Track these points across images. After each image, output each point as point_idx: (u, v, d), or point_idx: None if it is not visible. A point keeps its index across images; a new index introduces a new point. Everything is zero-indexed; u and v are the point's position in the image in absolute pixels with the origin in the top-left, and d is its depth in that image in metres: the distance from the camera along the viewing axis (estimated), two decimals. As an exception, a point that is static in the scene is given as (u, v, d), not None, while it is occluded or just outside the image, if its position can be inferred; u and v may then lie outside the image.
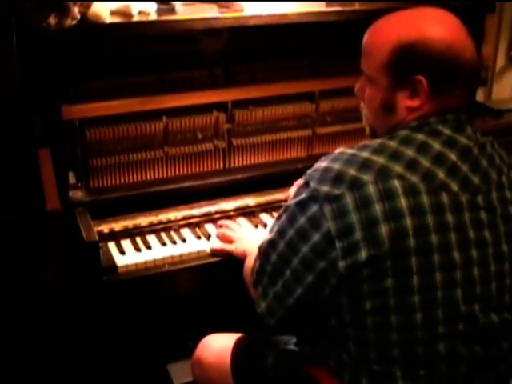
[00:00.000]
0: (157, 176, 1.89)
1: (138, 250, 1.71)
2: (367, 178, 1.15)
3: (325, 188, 1.17)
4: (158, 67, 1.85)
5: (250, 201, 1.92)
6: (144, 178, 1.88)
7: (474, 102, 1.29)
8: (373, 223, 1.13)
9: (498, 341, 1.25)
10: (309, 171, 1.26)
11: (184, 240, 1.76)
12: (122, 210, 1.78)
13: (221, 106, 1.93)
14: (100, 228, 1.72)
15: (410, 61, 1.21)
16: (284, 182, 1.96)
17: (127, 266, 1.64)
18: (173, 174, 1.92)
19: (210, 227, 1.84)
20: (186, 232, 1.81)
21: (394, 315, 1.16)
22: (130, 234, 1.77)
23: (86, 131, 1.76)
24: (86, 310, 1.65)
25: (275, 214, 1.90)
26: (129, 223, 1.77)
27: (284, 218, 1.26)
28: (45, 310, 1.74)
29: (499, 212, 1.23)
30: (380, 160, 1.17)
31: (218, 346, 1.59)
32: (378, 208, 1.13)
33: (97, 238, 1.59)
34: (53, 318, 1.72)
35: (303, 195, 1.21)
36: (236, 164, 2.00)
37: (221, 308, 1.88)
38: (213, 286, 1.74)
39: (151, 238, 1.77)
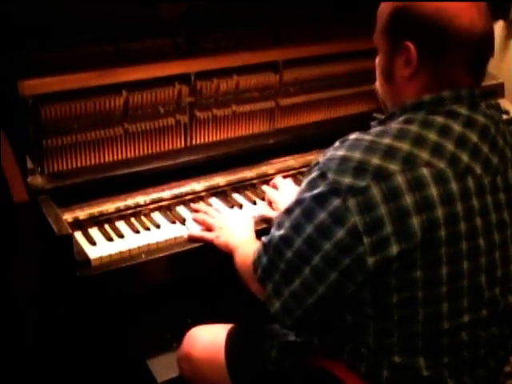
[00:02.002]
0: (116, 157, 1.74)
1: (109, 239, 1.57)
2: (394, 167, 1.08)
3: (347, 179, 1.09)
4: (116, 37, 1.68)
5: (220, 180, 1.81)
6: (104, 160, 1.71)
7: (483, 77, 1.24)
8: (404, 216, 1.07)
9: (510, 320, 1.24)
10: (321, 160, 1.16)
11: (158, 226, 1.64)
12: (85, 196, 1.62)
13: (183, 78, 1.79)
14: (64, 217, 1.55)
15: (400, 25, 1.17)
16: (252, 158, 1.88)
17: (101, 258, 1.50)
18: (133, 153, 1.76)
19: (182, 210, 1.72)
20: (157, 217, 1.68)
21: (422, 307, 1.11)
22: (97, 221, 1.62)
23: (40, 109, 1.58)
24: (57, 307, 1.50)
25: (249, 194, 1.82)
26: (94, 210, 1.62)
27: (298, 212, 1.16)
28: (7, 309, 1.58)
29: None
30: (404, 146, 1.10)
31: (208, 338, 1.49)
32: (408, 199, 1.07)
33: (69, 230, 1.44)
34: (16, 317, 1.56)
35: (321, 188, 1.12)
36: (198, 140, 1.88)
37: (201, 296, 1.78)
38: (192, 273, 1.63)
39: (121, 225, 1.63)
